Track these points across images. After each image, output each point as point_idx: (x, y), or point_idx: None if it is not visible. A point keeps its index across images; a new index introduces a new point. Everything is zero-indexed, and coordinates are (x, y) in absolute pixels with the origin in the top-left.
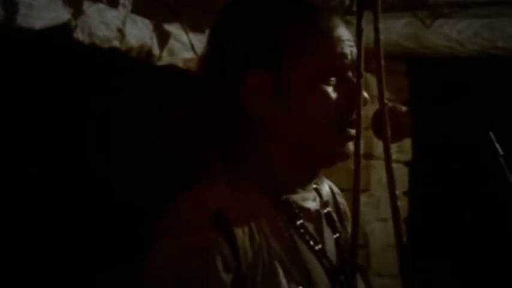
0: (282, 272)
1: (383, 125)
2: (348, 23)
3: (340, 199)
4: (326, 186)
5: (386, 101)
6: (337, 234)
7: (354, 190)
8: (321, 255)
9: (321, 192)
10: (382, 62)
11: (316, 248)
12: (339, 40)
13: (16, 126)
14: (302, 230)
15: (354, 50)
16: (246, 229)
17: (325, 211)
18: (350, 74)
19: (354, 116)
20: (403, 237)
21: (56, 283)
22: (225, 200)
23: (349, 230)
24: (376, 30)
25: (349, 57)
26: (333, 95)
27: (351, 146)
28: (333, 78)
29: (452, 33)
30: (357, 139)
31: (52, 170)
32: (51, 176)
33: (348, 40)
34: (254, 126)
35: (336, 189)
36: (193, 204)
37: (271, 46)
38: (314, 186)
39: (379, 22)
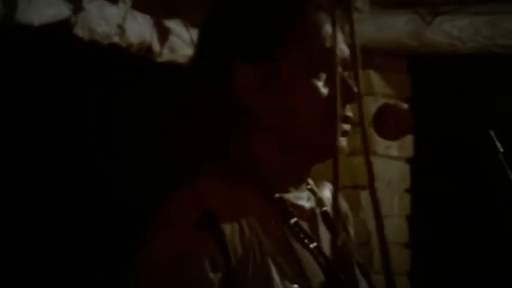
0: (275, 268)
1: (361, 118)
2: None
3: (341, 202)
4: (327, 191)
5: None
6: (341, 232)
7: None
8: (317, 253)
9: (317, 194)
10: (359, 56)
11: (311, 246)
12: (329, 36)
13: (15, 122)
14: (296, 228)
15: (344, 46)
16: (236, 226)
17: (323, 209)
18: (340, 69)
19: (346, 112)
20: (384, 232)
21: (57, 283)
22: (215, 198)
23: (351, 231)
24: (352, 26)
25: (339, 53)
26: (323, 90)
27: (342, 141)
28: (322, 73)
29: (453, 31)
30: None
31: (51, 167)
32: (49, 173)
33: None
34: (245, 121)
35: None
36: (182, 204)
37: (260, 39)
38: (308, 186)
39: (353, 15)
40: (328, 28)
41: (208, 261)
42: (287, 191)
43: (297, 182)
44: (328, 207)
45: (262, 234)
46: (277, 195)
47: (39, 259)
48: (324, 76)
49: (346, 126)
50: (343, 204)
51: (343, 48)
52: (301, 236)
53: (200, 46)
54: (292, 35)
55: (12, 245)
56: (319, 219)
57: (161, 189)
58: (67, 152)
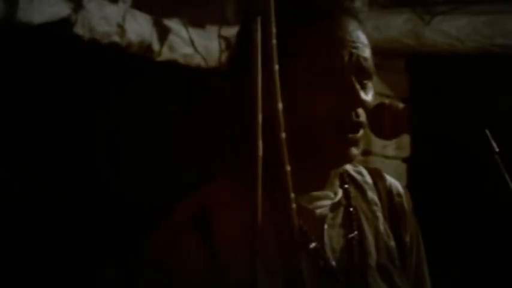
0: (263, 268)
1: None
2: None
3: (398, 199)
4: (386, 185)
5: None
6: (354, 233)
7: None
8: (317, 255)
9: (357, 191)
10: (276, 66)
11: (310, 246)
12: (341, 42)
13: (15, 121)
14: (297, 230)
15: (357, 51)
16: (230, 225)
17: (350, 209)
18: (352, 75)
19: (356, 118)
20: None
21: (57, 283)
22: (219, 199)
23: (405, 231)
24: (270, 35)
25: (347, 58)
26: (333, 96)
27: (353, 150)
28: (332, 80)
29: (451, 30)
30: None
31: (52, 166)
32: (49, 172)
33: (352, 42)
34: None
35: (396, 190)
36: (185, 204)
37: None
38: (346, 186)
39: (272, 26)
40: (341, 34)
41: (193, 259)
42: (305, 193)
43: (316, 184)
44: (377, 207)
45: (259, 234)
46: (277, 196)
47: (40, 260)
48: (333, 83)
49: (355, 136)
50: (400, 203)
51: (356, 54)
52: (302, 237)
53: (227, 56)
54: (303, 42)
55: (12, 245)
56: (338, 219)
57: (170, 192)
58: (66, 150)
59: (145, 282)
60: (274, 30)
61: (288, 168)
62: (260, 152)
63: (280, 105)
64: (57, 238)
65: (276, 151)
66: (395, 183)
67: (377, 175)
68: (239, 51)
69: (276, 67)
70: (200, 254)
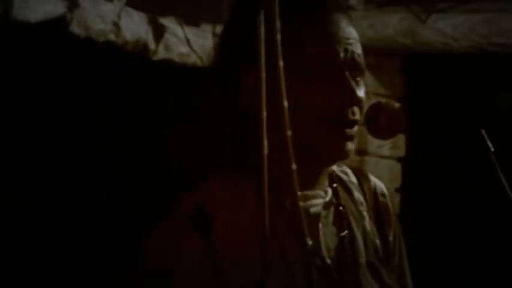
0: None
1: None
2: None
3: (382, 199)
4: (371, 185)
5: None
6: (345, 232)
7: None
8: (312, 253)
9: (344, 191)
10: (281, 62)
11: (308, 244)
12: (335, 38)
13: (12, 121)
14: (294, 228)
15: (351, 47)
16: (228, 224)
17: (340, 208)
18: (347, 72)
19: (350, 115)
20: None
21: (58, 283)
22: (217, 197)
23: (389, 230)
24: (274, 31)
25: (342, 54)
26: (326, 92)
27: (349, 145)
28: (326, 76)
29: (447, 29)
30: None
31: (48, 164)
32: (46, 171)
33: (346, 38)
34: (252, 124)
35: (380, 190)
36: (181, 202)
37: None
38: (334, 185)
39: (277, 21)
40: (334, 30)
41: (193, 256)
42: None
43: (308, 183)
44: (363, 207)
45: (254, 232)
46: (279, 195)
47: (40, 259)
48: (328, 78)
49: (351, 131)
50: (384, 203)
51: (350, 50)
52: (296, 235)
53: (215, 52)
54: (297, 38)
55: (12, 245)
56: (330, 217)
57: (169, 190)
58: (62, 148)
59: (145, 283)
60: (278, 25)
61: (294, 166)
62: (266, 151)
63: (285, 103)
64: (56, 238)
65: (282, 149)
66: (379, 184)
67: (361, 175)
68: (227, 48)
69: (281, 63)
70: (200, 254)
